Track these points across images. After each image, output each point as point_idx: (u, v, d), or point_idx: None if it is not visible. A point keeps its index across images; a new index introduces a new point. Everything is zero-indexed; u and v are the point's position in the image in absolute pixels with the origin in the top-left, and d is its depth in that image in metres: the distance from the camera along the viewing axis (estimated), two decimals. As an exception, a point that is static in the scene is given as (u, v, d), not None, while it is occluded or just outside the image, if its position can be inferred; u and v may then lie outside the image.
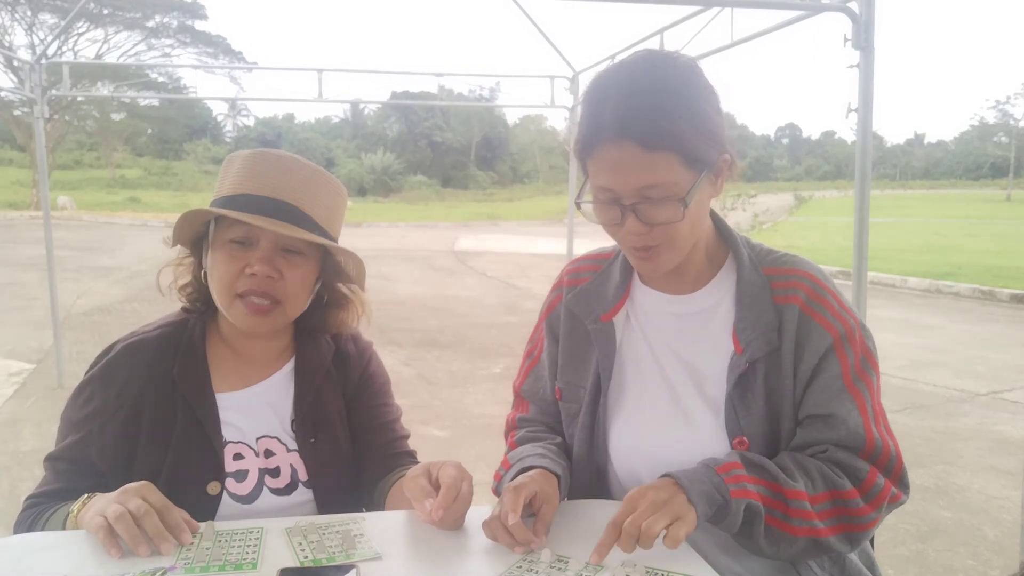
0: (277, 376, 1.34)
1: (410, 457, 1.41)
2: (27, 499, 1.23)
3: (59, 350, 5.54)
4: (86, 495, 1.13)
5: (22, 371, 5.91)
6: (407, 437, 1.45)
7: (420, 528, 1.13)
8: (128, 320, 7.92)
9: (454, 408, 5.22)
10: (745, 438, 1.15)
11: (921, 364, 6.41)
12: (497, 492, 1.25)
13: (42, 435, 4.44)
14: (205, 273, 1.27)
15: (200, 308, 1.32)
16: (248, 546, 1.05)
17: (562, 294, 1.34)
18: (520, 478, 1.13)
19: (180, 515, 1.06)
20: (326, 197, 1.27)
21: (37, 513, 1.19)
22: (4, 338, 6.93)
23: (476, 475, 1.16)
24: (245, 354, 1.32)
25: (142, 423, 1.23)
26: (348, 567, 0.99)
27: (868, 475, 1.10)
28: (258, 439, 1.29)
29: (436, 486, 1.09)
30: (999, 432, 4.76)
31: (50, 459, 1.26)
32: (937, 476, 3.98)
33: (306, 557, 1.02)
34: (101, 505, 1.05)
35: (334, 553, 1.03)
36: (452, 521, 1.09)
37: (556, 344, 1.34)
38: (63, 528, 1.12)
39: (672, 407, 1.21)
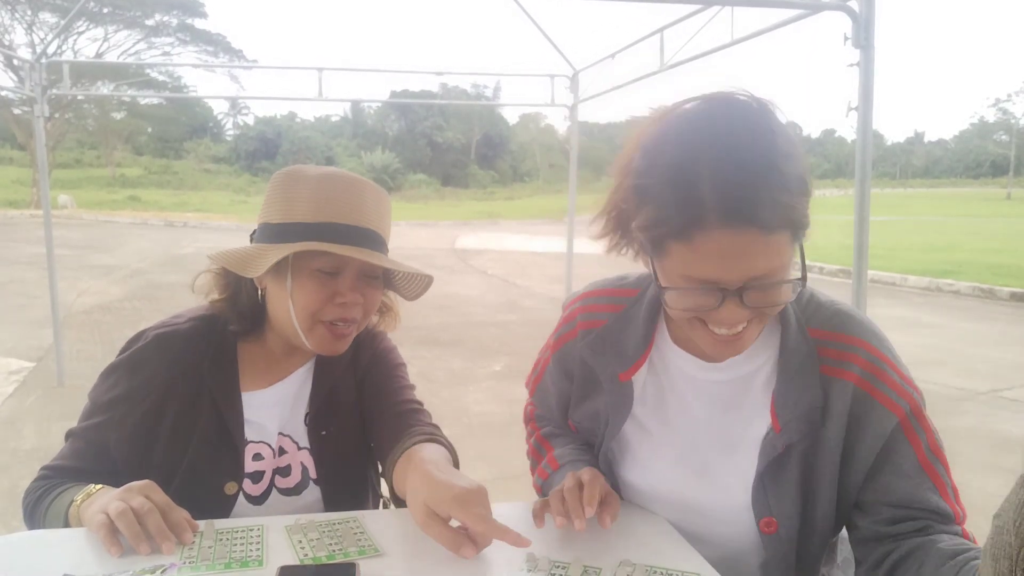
0: (298, 373, 1.33)
1: (416, 415, 1.34)
2: (42, 468, 1.25)
3: (59, 348, 5.55)
4: (91, 486, 1.14)
5: (22, 369, 5.91)
6: (418, 402, 1.38)
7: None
8: (128, 319, 7.92)
9: (454, 407, 5.22)
10: (774, 519, 1.07)
11: (921, 362, 6.41)
12: (543, 489, 1.25)
13: (42, 433, 4.44)
14: (261, 293, 1.27)
15: (245, 327, 1.29)
16: (251, 544, 1.05)
17: (575, 332, 1.23)
18: (587, 472, 1.13)
19: (182, 515, 1.06)
20: (387, 215, 1.29)
21: (47, 488, 1.20)
22: (4, 336, 6.93)
23: (476, 474, 1.15)
24: (275, 353, 1.32)
25: (165, 416, 1.23)
26: (348, 565, 0.99)
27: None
28: (277, 436, 1.29)
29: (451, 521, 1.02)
30: (999, 430, 4.76)
31: (71, 435, 1.27)
32: (937, 474, 3.98)
33: (306, 555, 1.02)
34: (104, 502, 1.05)
35: (334, 551, 1.03)
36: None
37: (569, 382, 1.27)
38: (65, 515, 1.12)
39: (699, 464, 1.13)
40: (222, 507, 1.21)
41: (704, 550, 1.07)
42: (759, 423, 1.09)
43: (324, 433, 1.31)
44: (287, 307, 1.22)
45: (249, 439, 1.26)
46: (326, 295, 1.21)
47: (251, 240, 1.27)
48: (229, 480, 1.22)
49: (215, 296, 1.30)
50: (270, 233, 1.22)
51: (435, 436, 1.26)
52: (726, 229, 0.88)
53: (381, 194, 1.27)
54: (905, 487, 1.02)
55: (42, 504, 1.18)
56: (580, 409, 1.26)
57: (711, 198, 0.88)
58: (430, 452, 1.17)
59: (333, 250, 1.17)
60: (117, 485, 1.16)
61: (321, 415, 1.31)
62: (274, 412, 1.29)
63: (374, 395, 1.36)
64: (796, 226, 0.91)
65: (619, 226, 1.04)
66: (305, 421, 1.31)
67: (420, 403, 1.39)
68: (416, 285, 1.36)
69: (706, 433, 1.13)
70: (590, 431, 1.25)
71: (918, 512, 1.01)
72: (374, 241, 1.23)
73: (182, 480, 1.19)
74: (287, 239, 1.19)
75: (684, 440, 1.14)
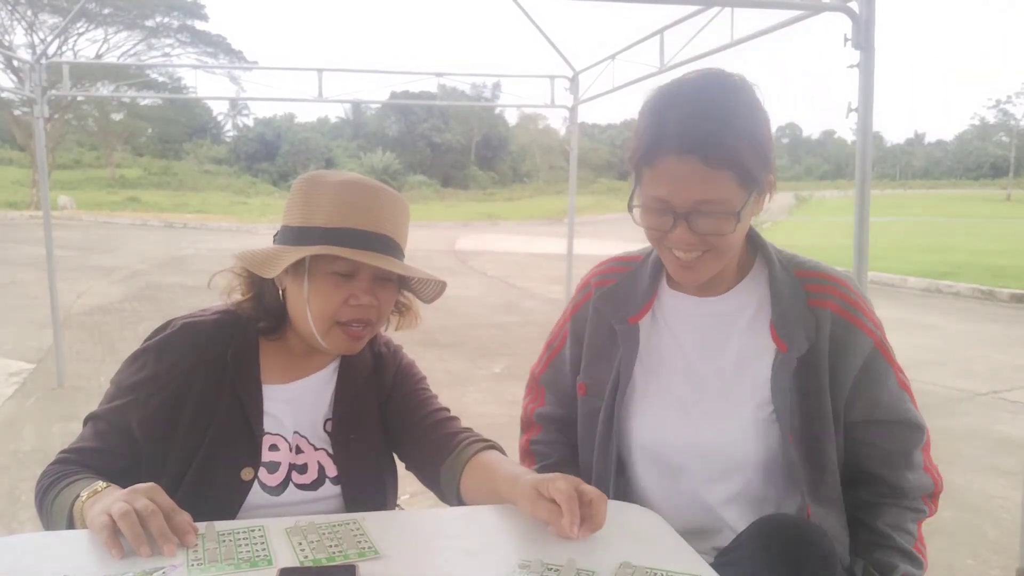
0: (319, 375, 1.37)
1: (453, 422, 1.40)
2: (61, 452, 1.27)
3: (59, 350, 5.54)
4: (98, 483, 1.14)
5: (22, 371, 5.91)
6: (447, 409, 1.44)
7: (421, 527, 1.13)
8: (128, 320, 7.92)
9: (454, 408, 5.17)
10: (791, 435, 1.20)
11: (921, 364, 6.41)
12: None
13: (42, 435, 4.44)
14: (283, 292, 1.32)
15: (272, 325, 1.34)
16: (256, 543, 1.05)
17: (590, 293, 1.38)
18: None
19: (185, 518, 1.06)
20: (405, 222, 1.33)
21: (60, 475, 1.21)
22: (4, 338, 6.93)
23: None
24: (296, 352, 1.36)
25: (187, 401, 1.27)
26: (348, 567, 0.99)
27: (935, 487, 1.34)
28: (293, 433, 1.32)
29: (552, 501, 1.04)
30: (999, 432, 4.76)
31: (92, 417, 1.30)
32: (937, 476, 3.97)
33: (306, 557, 1.02)
34: (107, 503, 1.05)
35: (334, 553, 1.03)
36: (596, 526, 1.04)
37: (580, 345, 1.39)
38: (69, 509, 1.12)
39: (700, 395, 1.25)
40: (238, 492, 1.24)
41: (715, 487, 1.23)
42: (761, 349, 1.23)
43: (344, 439, 1.34)
44: (304, 308, 1.28)
45: (267, 430, 1.30)
46: (341, 297, 1.26)
47: (274, 241, 1.32)
48: (246, 466, 1.26)
49: (240, 295, 1.34)
50: (289, 236, 1.28)
51: (493, 444, 1.32)
52: (677, 156, 1.09)
53: (398, 200, 1.31)
54: (889, 401, 1.22)
55: (51, 492, 1.19)
56: (592, 366, 1.35)
57: (671, 130, 1.10)
58: (506, 460, 1.25)
59: (345, 254, 1.22)
60: (136, 467, 1.22)
61: (344, 421, 1.35)
62: (292, 408, 1.33)
63: (403, 411, 1.41)
64: (742, 172, 1.09)
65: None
66: (325, 428, 1.34)
67: (448, 409, 1.44)
68: (431, 289, 1.41)
69: (711, 366, 1.25)
70: (597, 392, 1.33)
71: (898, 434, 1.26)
72: (388, 246, 1.28)
73: (201, 463, 1.23)
74: (305, 242, 1.25)
75: (690, 376, 1.26)
